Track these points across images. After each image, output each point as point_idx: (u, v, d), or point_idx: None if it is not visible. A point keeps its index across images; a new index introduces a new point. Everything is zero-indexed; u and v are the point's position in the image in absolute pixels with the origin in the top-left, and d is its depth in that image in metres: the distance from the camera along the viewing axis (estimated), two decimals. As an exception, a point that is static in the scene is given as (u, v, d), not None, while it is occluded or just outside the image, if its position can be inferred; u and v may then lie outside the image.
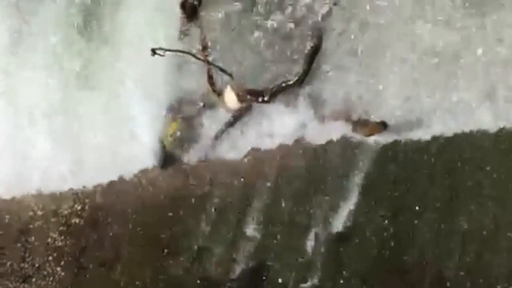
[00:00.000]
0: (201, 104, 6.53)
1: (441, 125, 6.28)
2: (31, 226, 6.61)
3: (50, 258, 6.60)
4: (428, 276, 6.33)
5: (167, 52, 6.06)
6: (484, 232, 6.24)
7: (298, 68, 6.36)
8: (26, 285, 6.65)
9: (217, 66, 6.38)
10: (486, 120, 6.15)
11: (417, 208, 6.35)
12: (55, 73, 6.66)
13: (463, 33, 6.08)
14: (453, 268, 6.28)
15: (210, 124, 6.52)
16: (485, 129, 6.16)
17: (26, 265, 6.62)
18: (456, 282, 6.25)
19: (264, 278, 6.51)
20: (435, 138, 6.31)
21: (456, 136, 6.24)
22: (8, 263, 6.62)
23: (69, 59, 6.60)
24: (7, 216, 6.60)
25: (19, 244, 6.61)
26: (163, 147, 6.51)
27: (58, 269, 6.59)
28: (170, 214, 6.56)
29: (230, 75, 6.41)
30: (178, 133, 6.43)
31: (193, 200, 6.55)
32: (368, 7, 6.23)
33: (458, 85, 6.19)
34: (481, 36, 6.04)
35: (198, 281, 6.51)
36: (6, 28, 6.67)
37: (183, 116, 6.51)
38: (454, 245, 6.31)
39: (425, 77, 6.26)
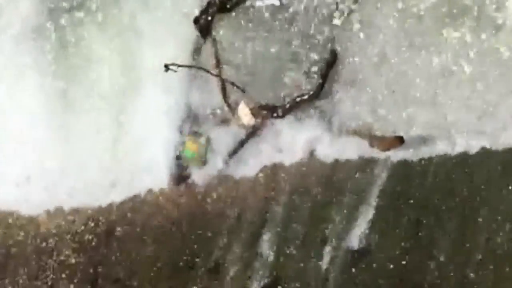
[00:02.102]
0: (215, 120, 6.49)
1: (460, 142, 6.25)
2: (44, 243, 6.58)
3: (64, 275, 6.57)
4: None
5: (181, 68, 6.09)
6: (503, 250, 6.18)
7: (312, 83, 6.31)
8: (39, 303, 6.64)
9: (230, 82, 6.36)
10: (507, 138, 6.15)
11: (434, 224, 6.29)
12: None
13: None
14: (471, 286, 6.23)
15: (224, 140, 6.47)
16: (505, 147, 6.14)
17: (39, 283, 6.58)
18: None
19: (279, 296, 6.47)
20: (452, 154, 6.27)
21: (473, 154, 6.20)
22: (21, 280, 6.59)
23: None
24: (21, 233, 6.57)
25: (32, 262, 6.58)
26: (179, 164, 6.46)
27: (71, 286, 6.56)
28: (185, 231, 6.52)
29: (243, 90, 6.39)
30: (193, 151, 6.36)
31: (208, 217, 6.51)
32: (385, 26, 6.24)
33: (479, 103, 6.18)
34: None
35: (213, 300, 6.48)
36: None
37: (197, 132, 6.47)
38: (472, 262, 6.24)
39: (444, 94, 6.23)
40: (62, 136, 6.61)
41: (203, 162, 6.46)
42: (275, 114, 6.39)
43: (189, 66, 6.30)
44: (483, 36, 6.10)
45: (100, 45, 6.48)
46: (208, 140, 6.43)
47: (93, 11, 6.41)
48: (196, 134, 6.46)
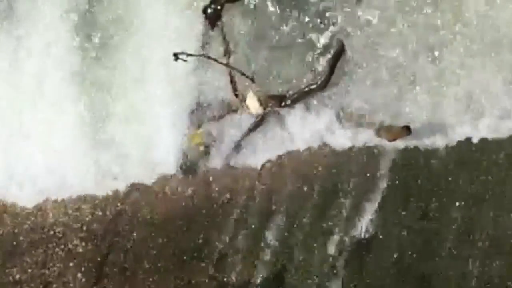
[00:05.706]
0: (223, 109, 6.50)
1: (466, 131, 6.28)
2: (52, 232, 6.58)
3: (71, 264, 6.57)
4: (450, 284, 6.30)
5: (190, 57, 6.10)
6: (508, 241, 6.20)
7: (320, 73, 6.33)
8: (46, 292, 6.64)
9: (239, 71, 6.38)
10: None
11: (439, 214, 6.30)
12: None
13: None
14: (474, 278, 6.25)
15: (232, 129, 6.49)
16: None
17: (47, 272, 6.58)
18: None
19: (285, 285, 6.46)
20: (459, 144, 6.29)
21: (480, 143, 6.23)
22: (29, 269, 6.59)
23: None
24: (29, 222, 6.57)
25: (40, 250, 6.58)
26: (186, 155, 6.46)
27: (79, 275, 6.55)
28: (192, 221, 6.52)
29: (252, 79, 6.40)
30: (201, 141, 6.36)
31: (214, 206, 6.51)
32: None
33: (483, 93, 6.22)
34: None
35: (220, 288, 6.49)
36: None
37: (205, 122, 6.48)
38: (476, 253, 6.26)
39: (449, 85, 6.26)
40: (69, 126, 6.64)
41: (205, 152, 6.46)
42: (283, 104, 6.42)
43: (198, 55, 6.32)
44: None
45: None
46: (208, 130, 6.43)
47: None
48: (199, 127, 6.47)
